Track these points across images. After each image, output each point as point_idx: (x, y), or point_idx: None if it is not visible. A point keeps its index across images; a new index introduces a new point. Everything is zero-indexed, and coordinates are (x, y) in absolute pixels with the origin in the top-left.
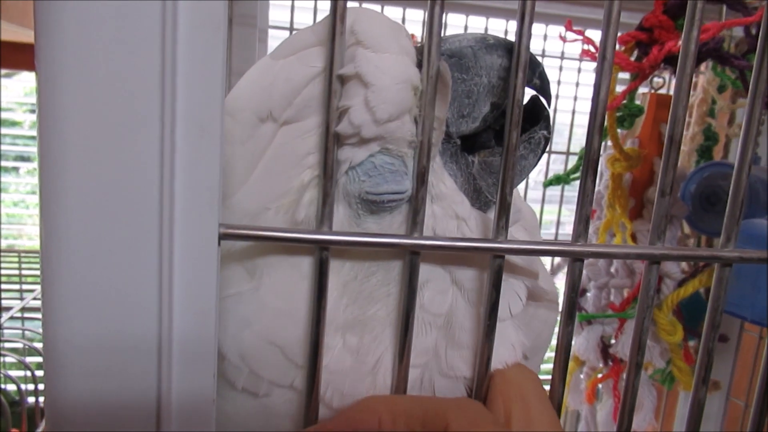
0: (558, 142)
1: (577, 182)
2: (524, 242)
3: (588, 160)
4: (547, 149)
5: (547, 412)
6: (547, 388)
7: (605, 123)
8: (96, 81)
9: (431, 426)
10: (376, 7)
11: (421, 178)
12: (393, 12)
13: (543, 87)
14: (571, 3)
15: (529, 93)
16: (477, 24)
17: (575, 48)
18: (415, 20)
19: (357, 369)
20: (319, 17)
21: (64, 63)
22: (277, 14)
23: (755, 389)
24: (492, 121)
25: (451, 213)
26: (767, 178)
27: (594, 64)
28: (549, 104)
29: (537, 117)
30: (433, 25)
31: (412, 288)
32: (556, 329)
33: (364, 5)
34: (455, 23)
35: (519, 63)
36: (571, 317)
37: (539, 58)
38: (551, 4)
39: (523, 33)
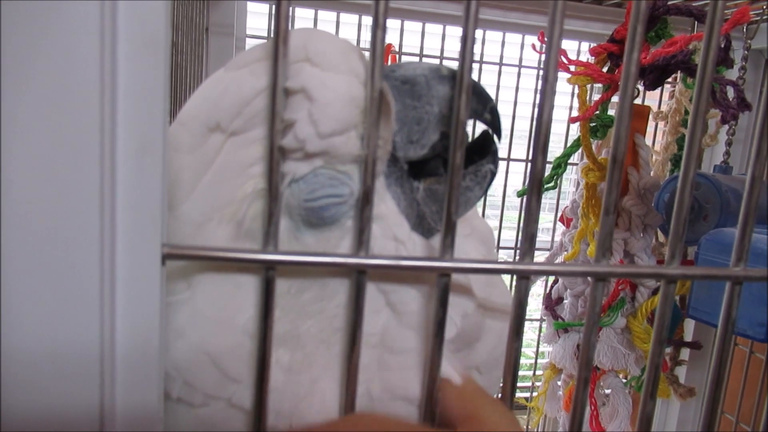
0: None
1: (553, 191)
2: (470, 260)
3: (533, 180)
4: (526, 158)
5: None
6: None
7: (575, 133)
8: (33, 96)
9: None
10: (353, 17)
11: (366, 198)
12: (327, 15)
13: (493, 122)
14: (545, 14)
15: (481, 128)
16: (436, 30)
17: None
18: (392, 28)
19: (291, 388)
20: (297, 26)
21: (2, 80)
22: (255, 23)
23: (730, 396)
24: (441, 149)
25: (389, 234)
26: (738, 188)
27: (567, 75)
28: (499, 139)
29: (486, 151)
30: (376, 44)
31: (359, 307)
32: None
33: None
34: (433, 31)
35: (462, 86)
36: (518, 334)
37: (515, 68)
38: (527, 15)
39: (467, 53)
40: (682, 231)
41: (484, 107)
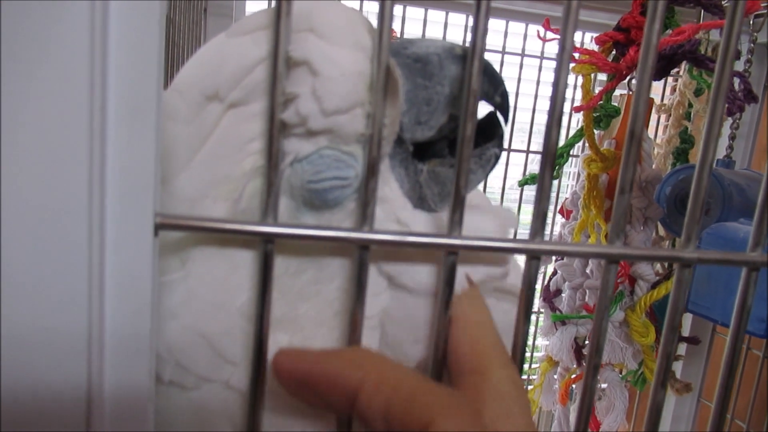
0: (537, 142)
1: (554, 182)
2: (479, 238)
3: (546, 154)
4: (526, 149)
5: (524, 416)
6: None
7: (576, 123)
8: (20, 55)
9: (412, 415)
10: (354, 2)
11: (372, 170)
12: (372, 6)
13: (503, 105)
14: (552, 2)
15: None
16: (438, 18)
17: (555, 48)
18: (394, 15)
19: None
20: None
21: None
22: (254, 5)
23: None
24: (448, 131)
25: (392, 217)
26: (741, 182)
27: (571, 63)
28: (506, 122)
29: (492, 134)
30: (384, 16)
31: (362, 285)
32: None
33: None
34: (436, 19)
35: (475, 51)
36: (527, 315)
37: (518, 58)
38: (532, 3)
39: (480, 16)
40: (699, 214)
41: (496, 90)
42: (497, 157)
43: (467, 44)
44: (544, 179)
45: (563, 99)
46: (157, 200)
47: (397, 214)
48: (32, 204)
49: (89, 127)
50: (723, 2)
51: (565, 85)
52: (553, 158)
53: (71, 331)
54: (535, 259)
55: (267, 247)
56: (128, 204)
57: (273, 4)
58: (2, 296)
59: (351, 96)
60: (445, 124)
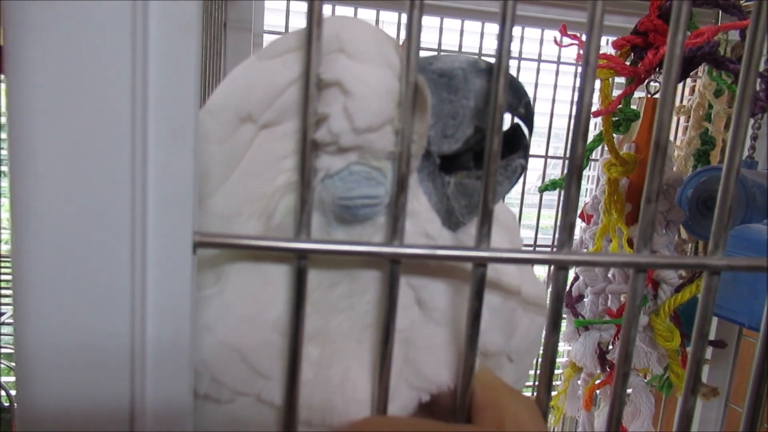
0: (556, 146)
1: None
2: (507, 250)
3: (572, 167)
4: (544, 154)
5: None
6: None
7: (594, 128)
8: (65, 84)
9: None
10: (372, 12)
11: (401, 185)
12: (367, 14)
13: (527, 116)
14: (567, 8)
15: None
16: (452, 26)
17: (571, 52)
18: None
19: (322, 382)
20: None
21: (33, 67)
22: (273, 19)
23: (743, 390)
24: (474, 143)
25: (421, 231)
26: (764, 183)
27: None
28: (530, 134)
29: (517, 145)
30: (412, 30)
31: (393, 298)
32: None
33: (352, 11)
34: (451, 27)
35: (500, 67)
36: (555, 326)
37: (534, 63)
38: (547, 9)
39: (505, 36)
40: (726, 221)
41: (520, 102)
42: (523, 168)
43: (485, 50)
44: (570, 191)
45: (588, 112)
46: (195, 220)
47: (426, 227)
48: (78, 225)
49: (131, 152)
50: (741, 2)
51: (590, 104)
52: (579, 170)
53: (115, 347)
54: (563, 269)
55: (300, 263)
56: (169, 224)
57: (290, 15)
58: (49, 314)
59: (382, 114)
60: (471, 136)
